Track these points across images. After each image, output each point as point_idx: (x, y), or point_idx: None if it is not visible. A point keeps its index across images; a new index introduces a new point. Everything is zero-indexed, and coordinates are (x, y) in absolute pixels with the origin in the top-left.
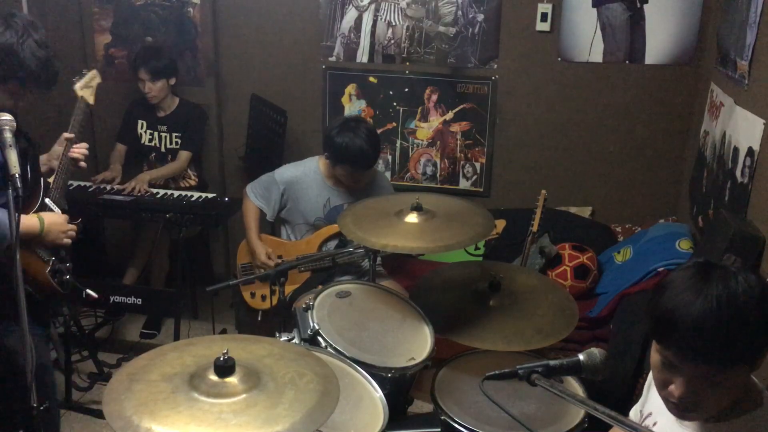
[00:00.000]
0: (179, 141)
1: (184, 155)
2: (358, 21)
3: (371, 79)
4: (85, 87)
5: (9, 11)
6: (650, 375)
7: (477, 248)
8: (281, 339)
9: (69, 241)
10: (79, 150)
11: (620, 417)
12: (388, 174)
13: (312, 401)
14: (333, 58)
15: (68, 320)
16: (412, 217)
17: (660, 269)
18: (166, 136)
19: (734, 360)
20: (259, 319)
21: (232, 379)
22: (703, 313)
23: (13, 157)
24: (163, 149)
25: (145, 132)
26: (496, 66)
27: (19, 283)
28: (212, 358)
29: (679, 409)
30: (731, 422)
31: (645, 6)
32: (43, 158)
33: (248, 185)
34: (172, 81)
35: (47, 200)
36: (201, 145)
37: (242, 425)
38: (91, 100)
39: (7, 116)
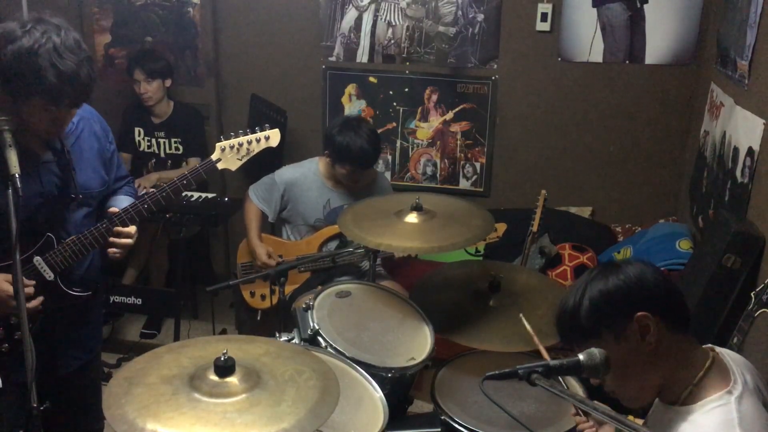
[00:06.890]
0: (179, 146)
1: (193, 161)
2: (358, 21)
3: (371, 79)
4: (235, 155)
5: (37, 15)
6: None
7: (477, 251)
8: (281, 339)
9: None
10: (121, 242)
11: (620, 417)
12: (388, 174)
13: (314, 398)
14: (333, 58)
15: None
16: (412, 217)
17: (660, 269)
18: (164, 142)
19: (584, 335)
20: (259, 318)
21: (233, 379)
22: (560, 303)
23: (13, 157)
24: (162, 155)
25: (143, 139)
26: (496, 66)
27: (19, 284)
28: (209, 358)
29: (619, 399)
30: (701, 404)
31: (645, 6)
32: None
33: (250, 187)
34: (168, 83)
35: (38, 258)
36: (206, 147)
37: (248, 424)
38: (233, 168)
39: (7, 116)
